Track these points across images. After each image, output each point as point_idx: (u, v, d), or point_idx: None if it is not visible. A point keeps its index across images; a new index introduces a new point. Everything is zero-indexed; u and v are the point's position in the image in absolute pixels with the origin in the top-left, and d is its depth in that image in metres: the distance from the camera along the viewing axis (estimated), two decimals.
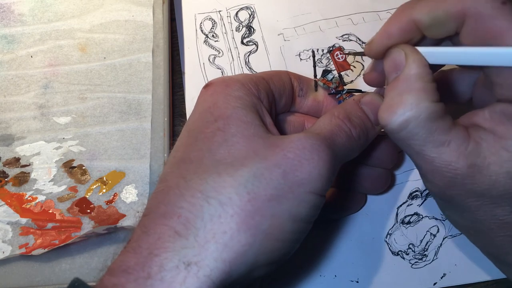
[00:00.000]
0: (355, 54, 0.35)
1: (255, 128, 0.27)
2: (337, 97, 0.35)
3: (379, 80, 0.32)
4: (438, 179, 0.27)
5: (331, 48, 0.46)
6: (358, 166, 0.36)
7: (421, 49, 0.28)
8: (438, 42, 0.30)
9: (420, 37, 0.29)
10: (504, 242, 0.28)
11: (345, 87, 0.35)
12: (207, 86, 0.30)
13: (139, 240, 0.25)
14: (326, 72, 0.35)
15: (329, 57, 0.46)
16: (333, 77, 0.35)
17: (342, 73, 0.34)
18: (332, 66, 0.46)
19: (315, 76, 0.35)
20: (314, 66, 0.36)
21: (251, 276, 0.26)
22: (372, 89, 0.35)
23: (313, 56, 0.36)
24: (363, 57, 0.45)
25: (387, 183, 0.39)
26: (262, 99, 0.30)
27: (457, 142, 0.26)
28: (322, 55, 0.46)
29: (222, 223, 0.24)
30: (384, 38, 0.29)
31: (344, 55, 0.34)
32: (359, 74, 0.45)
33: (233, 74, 0.45)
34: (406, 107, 0.26)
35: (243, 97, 0.28)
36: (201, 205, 0.24)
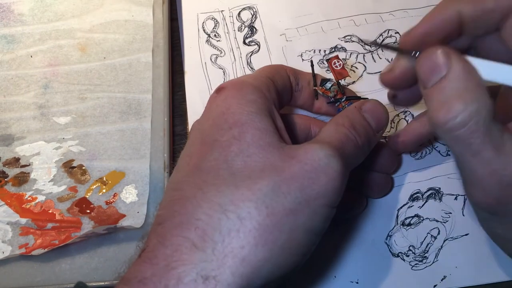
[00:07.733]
0: (387, 47, 0.34)
1: (270, 136, 0.27)
2: (336, 105, 0.35)
3: (399, 81, 0.31)
4: (494, 183, 0.25)
5: (326, 56, 0.46)
6: (359, 171, 0.36)
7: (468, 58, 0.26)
8: (473, 41, 0.29)
9: (458, 33, 0.28)
10: None
11: (343, 92, 0.35)
12: (219, 90, 0.30)
13: (155, 250, 0.24)
14: (324, 81, 0.35)
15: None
16: (331, 86, 0.35)
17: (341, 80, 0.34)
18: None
19: (315, 85, 0.36)
20: (313, 76, 0.36)
21: None
22: (368, 95, 0.34)
23: (312, 66, 0.36)
24: (363, 58, 0.45)
25: (387, 188, 0.39)
26: (274, 100, 0.30)
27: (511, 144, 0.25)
28: (320, 60, 0.46)
29: (241, 237, 0.24)
30: (425, 28, 0.28)
31: (341, 63, 0.34)
32: (361, 76, 0.45)
33: (235, 74, 0.45)
34: (467, 101, 0.24)
35: (256, 100, 0.28)
36: (219, 218, 0.24)
